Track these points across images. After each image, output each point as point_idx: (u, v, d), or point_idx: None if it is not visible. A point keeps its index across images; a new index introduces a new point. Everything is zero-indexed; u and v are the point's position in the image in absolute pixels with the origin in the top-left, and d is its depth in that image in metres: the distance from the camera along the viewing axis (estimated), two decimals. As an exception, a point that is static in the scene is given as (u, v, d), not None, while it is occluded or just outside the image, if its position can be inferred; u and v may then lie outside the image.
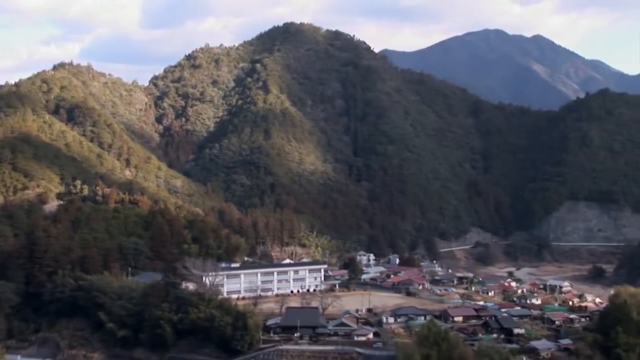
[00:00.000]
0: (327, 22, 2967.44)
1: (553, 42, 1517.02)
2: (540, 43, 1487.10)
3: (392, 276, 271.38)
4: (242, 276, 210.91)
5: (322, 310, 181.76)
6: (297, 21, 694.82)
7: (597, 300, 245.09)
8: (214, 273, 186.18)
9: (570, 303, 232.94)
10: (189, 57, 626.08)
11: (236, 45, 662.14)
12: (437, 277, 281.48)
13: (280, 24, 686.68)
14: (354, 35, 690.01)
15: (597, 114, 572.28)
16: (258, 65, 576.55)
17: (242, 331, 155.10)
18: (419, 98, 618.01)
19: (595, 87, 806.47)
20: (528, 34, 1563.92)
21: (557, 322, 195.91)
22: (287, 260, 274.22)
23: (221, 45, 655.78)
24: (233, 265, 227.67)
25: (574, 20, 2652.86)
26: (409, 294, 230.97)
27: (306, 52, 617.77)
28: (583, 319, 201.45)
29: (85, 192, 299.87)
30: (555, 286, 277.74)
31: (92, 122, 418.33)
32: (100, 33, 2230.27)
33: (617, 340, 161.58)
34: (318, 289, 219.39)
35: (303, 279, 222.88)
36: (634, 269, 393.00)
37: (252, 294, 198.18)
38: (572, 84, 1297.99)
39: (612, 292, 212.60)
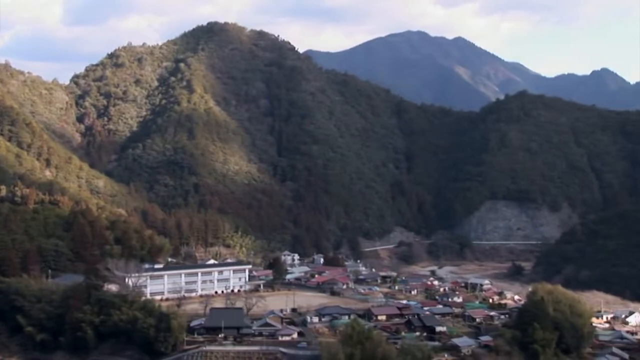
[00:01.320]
0: (252, 22, 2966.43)
1: (474, 45, 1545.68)
2: (461, 45, 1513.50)
3: (316, 276, 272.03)
4: (166, 277, 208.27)
5: (247, 310, 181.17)
6: (222, 21, 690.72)
7: (516, 297, 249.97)
8: (136, 274, 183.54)
9: (491, 301, 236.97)
10: (111, 56, 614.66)
11: (160, 44, 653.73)
12: (361, 277, 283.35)
13: (205, 23, 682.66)
14: (278, 36, 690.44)
15: (515, 116, 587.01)
16: (182, 65, 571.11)
17: (165, 333, 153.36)
18: (343, 98, 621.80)
19: (515, 89, 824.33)
20: (450, 36, 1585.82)
21: (477, 320, 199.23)
22: (212, 261, 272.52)
23: (144, 44, 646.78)
24: (156, 266, 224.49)
25: (496, 23, 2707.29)
26: (333, 293, 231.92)
27: (230, 51, 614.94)
28: (502, 316, 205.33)
29: (3, 192, 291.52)
30: (476, 284, 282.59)
31: (9, 121, 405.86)
32: (20, 30, 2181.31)
33: (534, 336, 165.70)
34: (242, 289, 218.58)
35: (227, 280, 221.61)
36: (551, 266, 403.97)
37: (175, 295, 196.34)
38: (492, 85, 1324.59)
39: (530, 289, 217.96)
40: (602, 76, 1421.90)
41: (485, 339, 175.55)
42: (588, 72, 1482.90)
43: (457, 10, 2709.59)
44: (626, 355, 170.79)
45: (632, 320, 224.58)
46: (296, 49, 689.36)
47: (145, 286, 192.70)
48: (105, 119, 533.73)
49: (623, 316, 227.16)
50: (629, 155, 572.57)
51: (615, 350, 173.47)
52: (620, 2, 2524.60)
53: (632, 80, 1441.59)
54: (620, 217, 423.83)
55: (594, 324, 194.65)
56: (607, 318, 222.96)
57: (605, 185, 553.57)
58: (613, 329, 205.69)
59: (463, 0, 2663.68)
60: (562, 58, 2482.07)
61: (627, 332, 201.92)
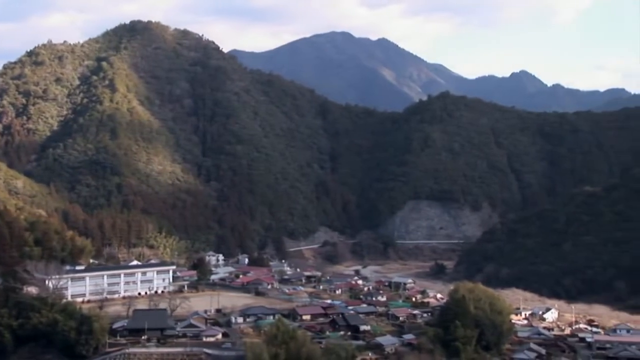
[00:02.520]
0: (177, 21, 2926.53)
1: (397, 46, 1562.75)
2: (385, 46, 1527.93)
3: (241, 276, 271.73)
4: (88, 279, 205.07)
5: (171, 311, 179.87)
6: (147, 19, 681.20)
7: (439, 295, 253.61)
8: (57, 276, 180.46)
9: (414, 299, 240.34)
10: (30, 54, 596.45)
11: (81, 42, 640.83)
12: (286, 277, 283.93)
13: (128, 21, 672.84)
14: (202, 35, 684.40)
15: (438, 116, 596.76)
16: (104, 64, 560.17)
17: (87, 335, 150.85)
18: (267, 99, 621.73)
19: (437, 90, 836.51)
20: (374, 37, 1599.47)
21: (401, 318, 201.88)
22: (135, 262, 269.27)
23: (65, 42, 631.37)
24: (78, 267, 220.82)
25: (420, 25, 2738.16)
26: (258, 293, 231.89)
27: (154, 50, 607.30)
28: (425, 315, 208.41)
29: None
30: (400, 283, 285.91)
31: None
32: None
33: (455, 333, 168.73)
34: (166, 290, 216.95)
35: (151, 281, 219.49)
36: (472, 264, 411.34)
37: (98, 297, 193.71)
38: (415, 86, 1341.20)
39: (451, 287, 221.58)
40: (521, 78, 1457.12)
41: (408, 337, 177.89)
42: (507, 74, 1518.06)
43: (382, 11, 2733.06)
44: (543, 351, 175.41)
45: (549, 316, 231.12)
46: (221, 48, 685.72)
47: (66, 288, 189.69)
48: (25, 118, 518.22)
49: (540, 313, 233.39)
50: (547, 156, 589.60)
51: (532, 346, 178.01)
52: (538, 8, 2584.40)
53: (549, 82, 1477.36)
54: (538, 216, 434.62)
55: (513, 321, 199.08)
56: (525, 315, 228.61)
57: (524, 185, 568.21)
58: (531, 326, 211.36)
59: (388, 2, 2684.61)
60: (483, 60, 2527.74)
61: (544, 328, 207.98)
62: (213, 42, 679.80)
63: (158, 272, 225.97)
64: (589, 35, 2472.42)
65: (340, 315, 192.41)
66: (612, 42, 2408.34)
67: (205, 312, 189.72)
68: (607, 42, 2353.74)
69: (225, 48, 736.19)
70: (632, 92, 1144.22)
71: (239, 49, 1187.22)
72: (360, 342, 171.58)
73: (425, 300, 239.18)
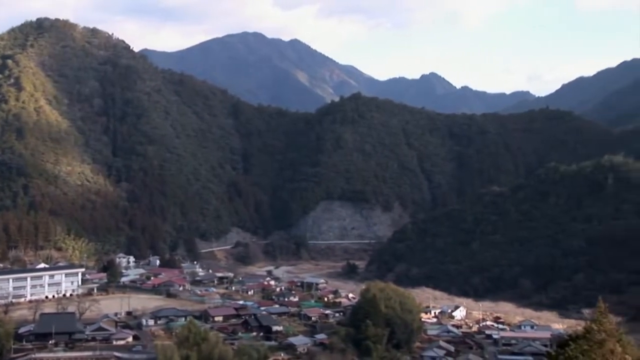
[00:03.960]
0: (86, 19, 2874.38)
1: (309, 47, 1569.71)
2: (297, 47, 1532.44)
3: (152, 278, 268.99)
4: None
5: (80, 315, 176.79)
6: (54, 17, 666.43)
7: (350, 295, 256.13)
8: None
9: (326, 299, 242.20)
10: None
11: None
12: (197, 278, 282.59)
13: (34, 18, 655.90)
14: (112, 34, 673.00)
15: (350, 117, 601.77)
16: (9, 62, 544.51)
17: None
18: (179, 98, 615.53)
19: (349, 91, 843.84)
20: (287, 37, 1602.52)
21: (313, 318, 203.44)
22: (42, 265, 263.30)
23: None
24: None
25: (333, 27, 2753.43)
26: (169, 295, 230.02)
27: (62, 49, 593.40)
28: (337, 314, 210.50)
29: None
30: (312, 283, 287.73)
31: None
32: None
33: (367, 332, 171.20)
34: (75, 293, 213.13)
35: (59, 284, 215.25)
36: (384, 264, 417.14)
37: (2, 301, 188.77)
38: (327, 88, 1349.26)
39: (363, 287, 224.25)
40: (431, 80, 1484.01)
41: (320, 337, 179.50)
42: (418, 76, 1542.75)
43: (295, 12, 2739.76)
44: (452, 348, 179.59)
45: (458, 314, 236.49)
46: (131, 47, 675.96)
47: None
48: None
49: (449, 311, 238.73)
50: (456, 156, 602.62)
51: (442, 343, 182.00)
52: (448, 12, 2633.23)
53: (458, 84, 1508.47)
54: (447, 216, 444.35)
55: (422, 319, 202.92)
56: (434, 313, 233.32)
57: (434, 186, 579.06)
58: (440, 324, 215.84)
59: (302, 3, 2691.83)
60: (394, 62, 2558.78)
61: (453, 325, 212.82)
62: (123, 41, 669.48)
63: (66, 274, 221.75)
64: (496, 40, 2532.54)
65: (253, 316, 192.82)
66: (518, 47, 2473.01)
67: (116, 314, 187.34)
68: (514, 47, 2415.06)
69: (136, 47, 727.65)
70: (537, 95, 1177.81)
71: (150, 48, 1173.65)
72: (273, 343, 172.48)
73: (337, 300, 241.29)
